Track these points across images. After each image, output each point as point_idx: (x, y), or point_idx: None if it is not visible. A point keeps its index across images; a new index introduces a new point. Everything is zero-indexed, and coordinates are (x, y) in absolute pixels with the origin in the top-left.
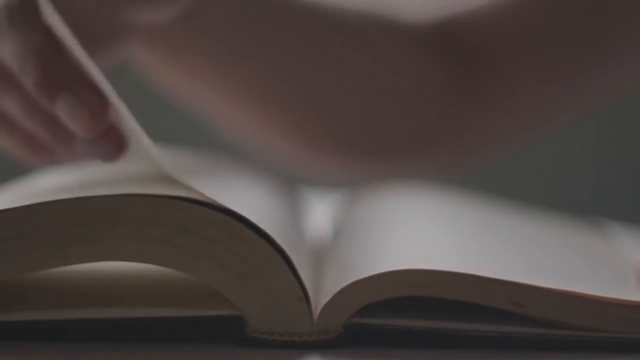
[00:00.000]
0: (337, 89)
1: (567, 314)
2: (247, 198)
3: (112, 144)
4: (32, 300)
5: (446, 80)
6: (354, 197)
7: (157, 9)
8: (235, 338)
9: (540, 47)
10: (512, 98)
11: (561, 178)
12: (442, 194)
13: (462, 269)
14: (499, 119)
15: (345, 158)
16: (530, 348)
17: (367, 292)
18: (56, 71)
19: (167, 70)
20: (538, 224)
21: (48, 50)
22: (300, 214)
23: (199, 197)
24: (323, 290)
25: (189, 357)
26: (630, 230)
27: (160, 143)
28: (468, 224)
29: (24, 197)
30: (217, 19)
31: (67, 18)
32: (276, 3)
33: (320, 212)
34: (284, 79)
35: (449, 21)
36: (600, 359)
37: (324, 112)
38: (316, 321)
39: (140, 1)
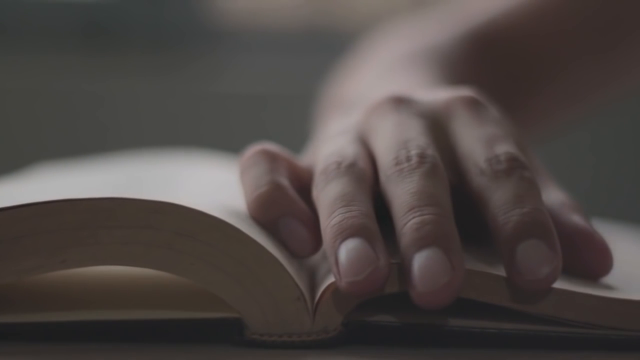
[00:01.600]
0: None
1: (565, 311)
2: (238, 198)
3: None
4: (32, 302)
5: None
6: None
7: None
8: (235, 340)
9: (566, 55)
10: (540, 108)
11: (559, 176)
12: None
13: (470, 266)
14: (527, 131)
15: None
16: (530, 345)
17: None
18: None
19: None
20: None
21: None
22: None
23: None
24: (321, 288)
25: (189, 359)
26: (629, 229)
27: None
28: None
29: (20, 196)
30: None
31: None
32: None
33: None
34: None
35: (480, 39)
36: (600, 356)
37: None
38: (315, 320)
39: None
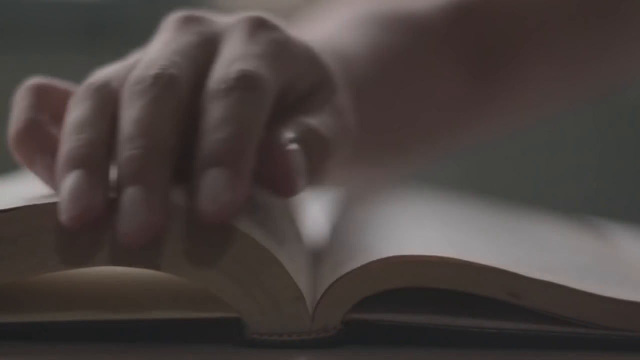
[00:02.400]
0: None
1: (562, 306)
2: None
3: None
4: (32, 302)
5: (464, 71)
6: (350, 197)
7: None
8: (235, 340)
9: (554, 28)
10: (527, 81)
11: (560, 178)
12: (441, 197)
13: (456, 258)
14: (512, 103)
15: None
16: (530, 346)
17: (360, 285)
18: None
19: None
20: (537, 224)
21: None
22: (296, 214)
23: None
24: (320, 288)
25: (189, 359)
26: (629, 230)
27: None
28: (465, 223)
29: (18, 198)
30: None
31: None
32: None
33: (318, 212)
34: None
35: (463, 8)
36: (600, 356)
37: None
38: (314, 319)
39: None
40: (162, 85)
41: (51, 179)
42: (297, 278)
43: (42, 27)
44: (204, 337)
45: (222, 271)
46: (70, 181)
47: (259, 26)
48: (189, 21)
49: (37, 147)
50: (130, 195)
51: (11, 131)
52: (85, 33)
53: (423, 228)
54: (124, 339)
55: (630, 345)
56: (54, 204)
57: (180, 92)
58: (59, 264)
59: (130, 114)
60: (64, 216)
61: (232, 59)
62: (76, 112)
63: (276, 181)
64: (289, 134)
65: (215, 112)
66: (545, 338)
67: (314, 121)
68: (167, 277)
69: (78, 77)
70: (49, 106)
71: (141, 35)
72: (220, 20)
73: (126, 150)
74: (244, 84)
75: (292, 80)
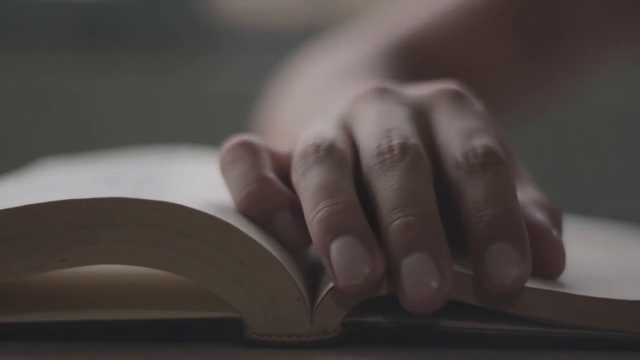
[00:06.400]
0: None
1: (564, 314)
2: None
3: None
4: (34, 302)
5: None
6: None
7: None
8: (235, 340)
9: (499, 70)
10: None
11: (562, 178)
12: None
13: (455, 268)
14: None
15: None
16: (530, 347)
17: None
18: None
19: None
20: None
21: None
22: None
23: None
24: (321, 290)
25: (189, 359)
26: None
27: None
28: None
29: (21, 195)
30: None
31: None
32: None
33: None
34: None
35: (402, 44)
36: (600, 356)
37: None
38: (314, 321)
39: None
40: (413, 154)
41: (294, 235)
42: (298, 279)
43: (42, 27)
44: (204, 337)
45: (224, 271)
46: (342, 248)
47: (460, 97)
48: (386, 93)
49: (277, 205)
50: (417, 261)
51: (243, 191)
52: (85, 33)
53: None
54: (124, 339)
55: (630, 346)
56: (56, 203)
57: (426, 161)
58: (60, 263)
59: (390, 183)
60: (344, 284)
61: (464, 134)
62: (318, 174)
63: (545, 262)
64: (539, 214)
65: (479, 187)
66: (544, 339)
67: (536, 192)
68: (167, 277)
69: (78, 77)
70: (268, 164)
71: (141, 36)
72: (410, 91)
73: (396, 217)
74: (493, 159)
75: None
